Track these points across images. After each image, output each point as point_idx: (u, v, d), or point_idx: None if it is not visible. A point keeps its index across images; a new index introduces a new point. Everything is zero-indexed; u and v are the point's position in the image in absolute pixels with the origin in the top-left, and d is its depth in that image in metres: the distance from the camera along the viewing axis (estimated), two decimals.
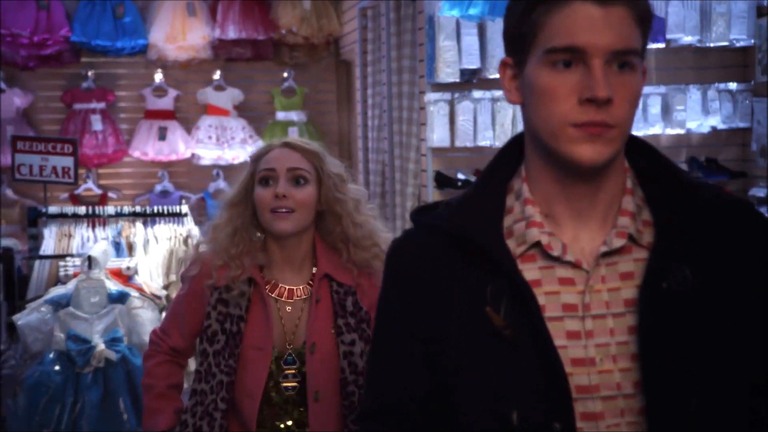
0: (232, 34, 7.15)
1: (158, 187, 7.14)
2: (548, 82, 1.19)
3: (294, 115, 7.38)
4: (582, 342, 1.22)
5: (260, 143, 7.15)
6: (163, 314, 3.27)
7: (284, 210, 2.17)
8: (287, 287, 2.23)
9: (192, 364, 2.94)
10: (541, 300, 1.23)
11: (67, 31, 6.80)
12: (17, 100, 6.89)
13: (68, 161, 4.35)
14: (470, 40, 4.73)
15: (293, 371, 2.20)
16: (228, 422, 2.19)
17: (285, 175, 2.19)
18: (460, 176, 4.95)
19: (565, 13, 1.19)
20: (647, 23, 1.21)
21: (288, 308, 2.22)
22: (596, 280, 1.24)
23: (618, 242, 1.24)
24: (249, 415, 2.18)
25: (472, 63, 4.74)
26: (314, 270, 2.26)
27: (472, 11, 3.76)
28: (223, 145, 7.18)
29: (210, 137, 7.16)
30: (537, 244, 1.25)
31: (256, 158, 2.27)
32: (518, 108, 4.40)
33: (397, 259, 1.35)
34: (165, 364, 2.34)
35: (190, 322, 2.28)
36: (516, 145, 1.34)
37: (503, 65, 1.29)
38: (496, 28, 4.67)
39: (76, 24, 6.86)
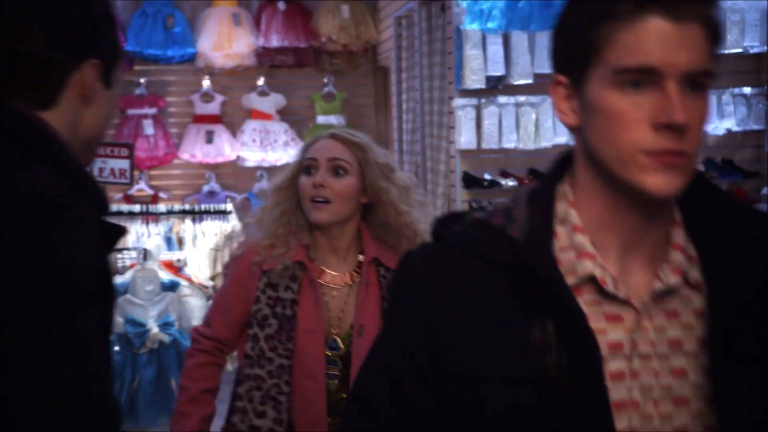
0: (275, 42, 7.25)
1: (206, 188, 7.27)
2: (617, 105, 1.06)
3: (333, 119, 7.46)
4: (626, 383, 1.10)
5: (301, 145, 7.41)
6: (210, 302, 3.59)
7: (321, 200, 2.16)
8: (332, 273, 2.22)
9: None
10: None
11: (121, 41, 7.05)
12: None
13: (124, 164, 4.68)
14: (495, 49, 4.97)
15: (336, 358, 2.19)
16: (290, 405, 2.17)
17: (325, 165, 2.18)
18: (486, 176, 5.21)
19: (636, 28, 1.06)
20: (719, 41, 1.09)
21: (333, 293, 2.21)
22: (647, 318, 1.12)
23: (673, 279, 1.12)
24: (316, 397, 2.16)
25: (497, 70, 4.98)
26: (360, 258, 2.24)
27: (490, 25, 4.02)
28: (267, 147, 7.29)
29: (254, 140, 7.26)
30: (588, 277, 1.12)
31: (305, 148, 2.27)
32: (540, 111, 4.68)
33: (417, 276, 1.17)
34: (204, 366, 2.29)
35: (235, 310, 2.25)
36: (561, 166, 1.20)
37: (555, 84, 1.14)
38: (519, 37, 4.91)
39: (130, 34, 7.04)
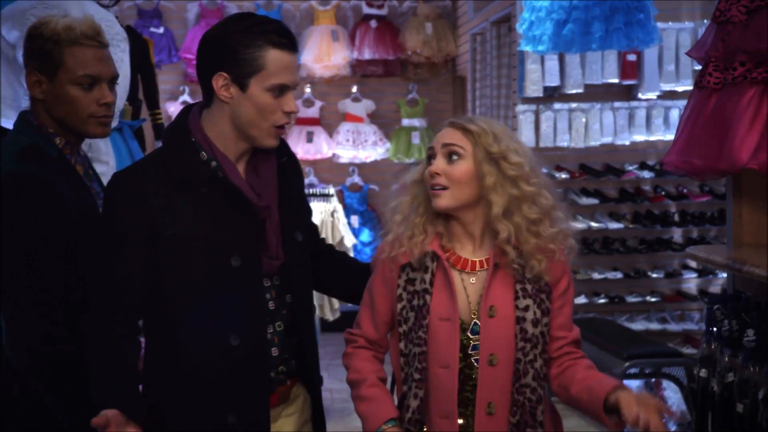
0: (367, 55, 7.80)
1: (306, 181, 7.69)
2: None
3: (416, 122, 7.99)
4: None
5: (388, 145, 7.97)
6: None
7: (438, 187, 2.09)
8: (470, 259, 2.13)
9: None
10: None
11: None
12: None
13: None
14: (552, 63, 5.79)
15: (476, 342, 2.10)
16: (424, 392, 2.10)
17: (441, 152, 2.11)
18: (543, 170, 6.09)
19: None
20: None
21: (472, 279, 2.12)
22: None
23: None
24: (449, 386, 2.08)
25: (553, 82, 5.80)
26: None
27: (540, 47, 4.82)
28: (358, 146, 7.84)
29: (348, 140, 7.85)
30: None
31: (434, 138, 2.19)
32: (590, 115, 5.85)
33: None
34: (369, 360, 2.21)
35: (381, 309, 2.19)
36: None
37: None
38: (572, 55, 5.68)
39: None
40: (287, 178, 2.21)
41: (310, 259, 2.28)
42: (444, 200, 2.10)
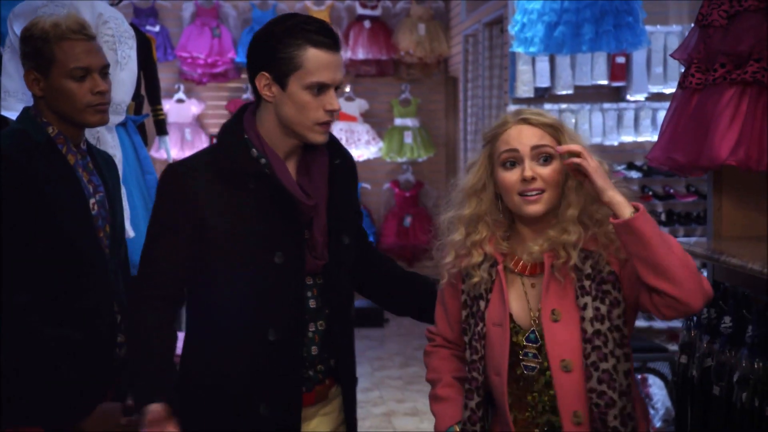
0: (360, 55, 7.98)
1: None
2: None
3: (409, 122, 8.14)
4: None
5: (381, 144, 8.12)
6: None
7: (535, 192, 1.95)
8: (530, 263, 2.02)
9: None
10: None
11: (233, 53, 7.90)
12: (193, 108, 7.96)
13: None
14: (543, 65, 5.85)
15: (533, 351, 1.98)
16: (482, 398, 2.04)
17: (529, 155, 1.96)
18: None
19: None
20: None
21: (532, 283, 2.01)
22: None
23: None
24: (499, 392, 2.00)
25: (544, 83, 5.87)
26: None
27: (532, 49, 4.94)
28: (351, 145, 7.94)
29: (341, 138, 7.44)
30: None
31: (492, 138, 2.03)
32: (579, 116, 5.93)
33: None
34: (448, 359, 2.17)
35: (452, 310, 2.13)
36: None
37: None
38: (563, 57, 5.73)
39: (240, 48, 7.88)
40: (338, 180, 2.21)
41: (355, 262, 2.27)
42: (541, 206, 1.97)
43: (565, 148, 1.91)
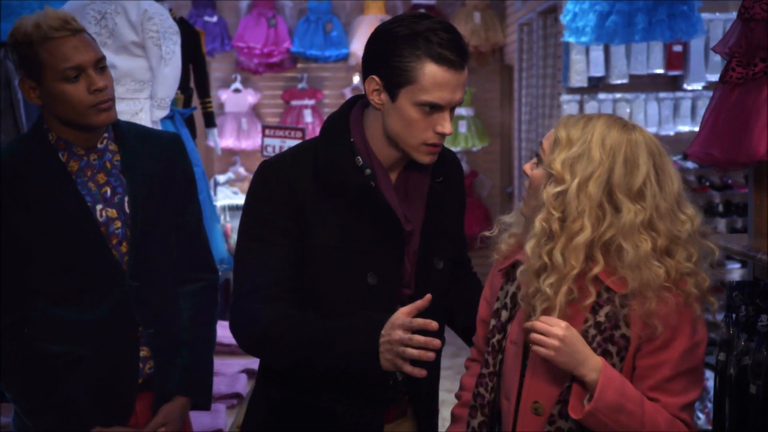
0: None
1: None
2: None
3: (464, 111, 8.03)
4: None
5: None
6: None
7: None
8: None
9: None
10: None
11: (288, 43, 7.93)
12: (249, 98, 8.02)
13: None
14: (597, 54, 5.82)
15: None
16: (486, 418, 1.90)
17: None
18: None
19: None
20: None
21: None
22: None
23: None
24: (506, 420, 1.85)
25: (598, 72, 5.83)
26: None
27: (583, 39, 4.92)
28: None
29: None
30: None
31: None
32: (634, 105, 5.79)
33: None
34: (475, 376, 2.01)
35: (483, 314, 2.03)
36: None
37: None
38: (618, 46, 5.67)
39: (296, 38, 7.93)
40: (437, 201, 2.03)
41: (447, 290, 2.08)
42: None
43: (529, 325, 1.74)
